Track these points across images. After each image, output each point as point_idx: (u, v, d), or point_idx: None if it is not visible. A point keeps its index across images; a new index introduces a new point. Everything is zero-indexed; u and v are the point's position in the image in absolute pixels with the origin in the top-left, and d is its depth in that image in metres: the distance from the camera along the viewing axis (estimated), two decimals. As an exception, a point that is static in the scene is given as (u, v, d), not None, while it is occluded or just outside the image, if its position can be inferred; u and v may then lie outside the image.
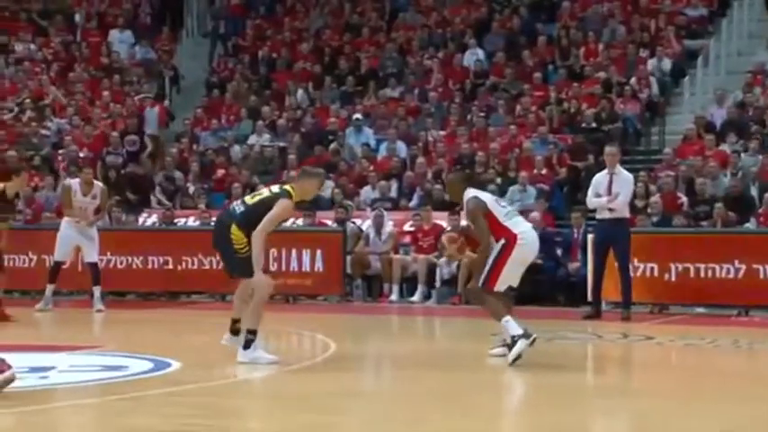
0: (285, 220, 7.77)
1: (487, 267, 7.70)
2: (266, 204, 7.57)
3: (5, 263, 11.75)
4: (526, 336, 7.56)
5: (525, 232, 7.81)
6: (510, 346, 7.62)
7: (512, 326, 7.63)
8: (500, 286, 7.78)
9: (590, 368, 8.44)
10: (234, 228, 7.57)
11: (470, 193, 7.87)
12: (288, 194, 7.62)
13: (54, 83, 20.86)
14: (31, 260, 14.97)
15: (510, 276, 7.81)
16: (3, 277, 11.38)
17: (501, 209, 7.87)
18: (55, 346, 8.79)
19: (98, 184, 13.04)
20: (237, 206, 7.77)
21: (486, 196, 7.95)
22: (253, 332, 7.62)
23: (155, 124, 19.66)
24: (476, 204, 7.78)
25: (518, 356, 7.55)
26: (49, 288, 12.77)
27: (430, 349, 8.37)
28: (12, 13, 22.98)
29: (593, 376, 7.81)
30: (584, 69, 18.89)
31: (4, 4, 23.14)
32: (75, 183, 12.92)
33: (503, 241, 7.70)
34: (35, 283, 13.83)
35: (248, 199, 7.79)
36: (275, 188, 7.83)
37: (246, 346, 7.60)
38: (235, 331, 7.96)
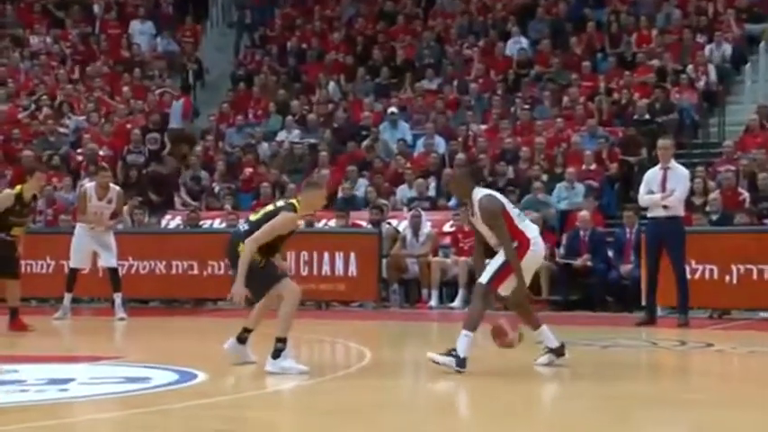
0: (288, 236, 7.82)
1: (496, 267, 7.64)
2: (269, 219, 7.76)
3: (22, 269, 11.86)
4: (460, 363, 7.53)
5: (537, 238, 7.77)
6: (453, 355, 7.58)
7: (464, 343, 7.59)
8: (504, 290, 7.80)
9: (644, 378, 8.39)
10: (241, 246, 7.76)
11: (481, 191, 7.76)
12: (292, 207, 7.78)
13: (71, 78, 21.09)
14: (48, 266, 15.14)
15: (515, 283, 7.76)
16: (19, 285, 11.49)
17: (514, 210, 7.85)
18: (75, 357, 8.89)
19: (114, 187, 13.09)
20: (243, 225, 8.05)
21: (500, 196, 7.88)
22: (282, 341, 7.70)
23: (179, 118, 19.82)
24: (493, 203, 7.69)
25: (437, 364, 7.57)
26: (67, 296, 12.89)
27: (471, 358, 8.34)
28: (27, 5, 23.20)
29: (648, 386, 7.76)
30: (636, 57, 18.79)
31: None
32: (90, 186, 13.03)
33: (515, 244, 7.66)
34: (53, 290, 13.99)
35: (252, 216, 8.02)
36: (280, 203, 8.02)
37: (276, 355, 7.69)
38: (241, 339, 8.07)
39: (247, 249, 7.64)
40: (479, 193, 7.74)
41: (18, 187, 11.41)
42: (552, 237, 14.66)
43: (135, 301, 14.42)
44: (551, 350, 8.00)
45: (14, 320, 11.35)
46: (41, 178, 11.49)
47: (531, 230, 7.79)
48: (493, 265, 7.69)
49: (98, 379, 7.59)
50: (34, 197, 11.54)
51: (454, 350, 7.62)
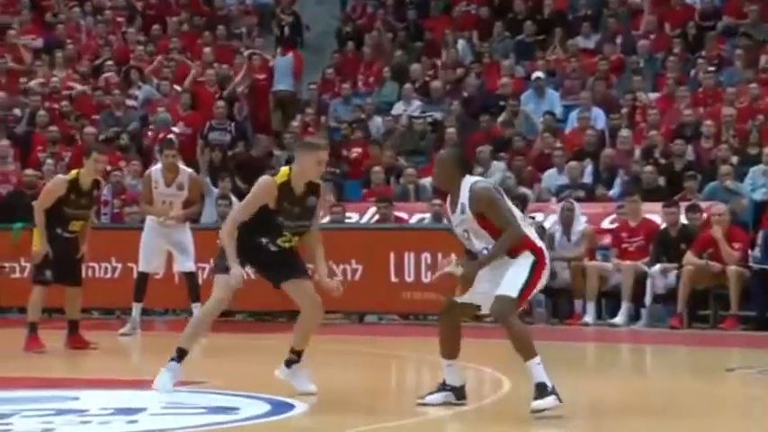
0: (281, 225, 8.17)
1: (526, 276, 7.48)
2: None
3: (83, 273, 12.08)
4: (554, 393, 7.38)
5: (545, 250, 7.65)
6: (538, 394, 7.40)
7: (538, 371, 7.45)
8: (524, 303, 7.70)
9: None
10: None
11: (471, 179, 7.61)
12: (275, 174, 8.21)
13: (141, 38, 21.49)
14: (113, 269, 15.48)
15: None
16: (81, 293, 11.70)
17: (517, 212, 7.65)
18: (145, 382, 9.08)
19: (185, 169, 13.11)
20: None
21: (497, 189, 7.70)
22: (180, 352, 8.13)
23: (289, 79, 20.05)
24: (489, 189, 7.56)
25: (543, 411, 7.39)
26: (136, 307, 13.12)
27: (640, 390, 8.27)
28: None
29: None
30: None
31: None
32: (156, 170, 13.07)
33: (528, 254, 7.49)
34: (119, 299, 14.31)
35: None
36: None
37: (170, 360, 8.11)
38: (288, 362, 8.42)
39: (223, 233, 8.28)
40: (469, 181, 7.59)
41: (73, 172, 11.60)
42: (745, 235, 14.39)
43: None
44: (450, 388, 7.77)
45: (74, 336, 11.64)
46: (99, 160, 11.50)
47: (538, 239, 7.67)
48: (519, 273, 7.48)
49: (174, 408, 7.74)
50: (96, 184, 11.62)
51: (542, 384, 7.42)
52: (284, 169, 8.31)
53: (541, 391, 7.40)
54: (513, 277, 7.48)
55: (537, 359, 7.48)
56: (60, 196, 11.27)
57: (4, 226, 15.78)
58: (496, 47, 20.05)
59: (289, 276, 8.34)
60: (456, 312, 7.72)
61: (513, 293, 7.45)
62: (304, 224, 8.25)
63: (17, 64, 20.80)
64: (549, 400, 7.39)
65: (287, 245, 8.24)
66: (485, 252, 7.56)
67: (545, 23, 20.14)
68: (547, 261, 7.61)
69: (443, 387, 7.82)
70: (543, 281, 7.62)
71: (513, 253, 7.50)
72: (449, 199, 7.75)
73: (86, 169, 11.43)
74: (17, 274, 15.45)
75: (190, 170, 13.34)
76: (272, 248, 8.25)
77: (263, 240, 8.22)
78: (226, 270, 8.18)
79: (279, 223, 8.13)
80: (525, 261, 7.50)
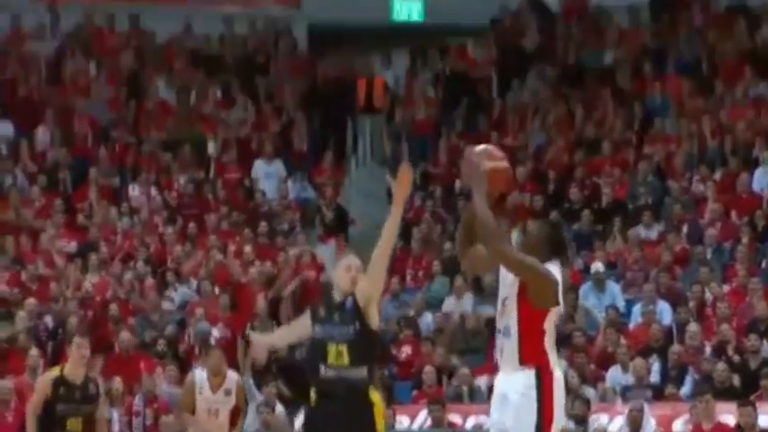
0: None
1: (535, 409, 6.88)
2: None
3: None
4: None
5: (561, 379, 7.07)
6: None
7: None
8: None
9: None
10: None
11: (554, 269, 7.15)
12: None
13: (180, 238, 21.66)
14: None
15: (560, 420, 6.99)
16: None
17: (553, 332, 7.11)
18: None
19: (232, 374, 12.84)
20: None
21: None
22: None
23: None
24: (553, 280, 7.09)
25: None
26: None
27: None
28: (128, 146, 23.81)
29: None
30: None
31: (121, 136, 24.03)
32: (199, 374, 12.76)
33: (532, 371, 6.99)
34: None
35: None
36: None
37: None
38: None
39: None
40: (550, 267, 7.16)
41: (57, 367, 11.48)
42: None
43: None
44: None
45: None
46: (82, 345, 11.29)
47: (559, 363, 7.16)
48: (526, 413, 6.93)
49: None
50: (90, 380, 11.31)
51: None
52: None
53: None
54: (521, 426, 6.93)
55: None
56: (48, 396, 11.00)
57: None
58: (553, 238, 20.05)
59: None
60: None
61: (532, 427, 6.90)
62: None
63: (49, 269, 20.98)
64: None
65: None
66: (504, 332, 7.16)
67: (603, 213, 20.18)
68: (557, 384, 7.02)
69: None
70: (560, 397, 7.02)
71: (523, 361, 7.04)
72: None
73: (71, 359, 11.28)
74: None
75: (236, 375, 13.00)
76: None
77: None
78: None
79: None
80: (527, 392, 6.94)
